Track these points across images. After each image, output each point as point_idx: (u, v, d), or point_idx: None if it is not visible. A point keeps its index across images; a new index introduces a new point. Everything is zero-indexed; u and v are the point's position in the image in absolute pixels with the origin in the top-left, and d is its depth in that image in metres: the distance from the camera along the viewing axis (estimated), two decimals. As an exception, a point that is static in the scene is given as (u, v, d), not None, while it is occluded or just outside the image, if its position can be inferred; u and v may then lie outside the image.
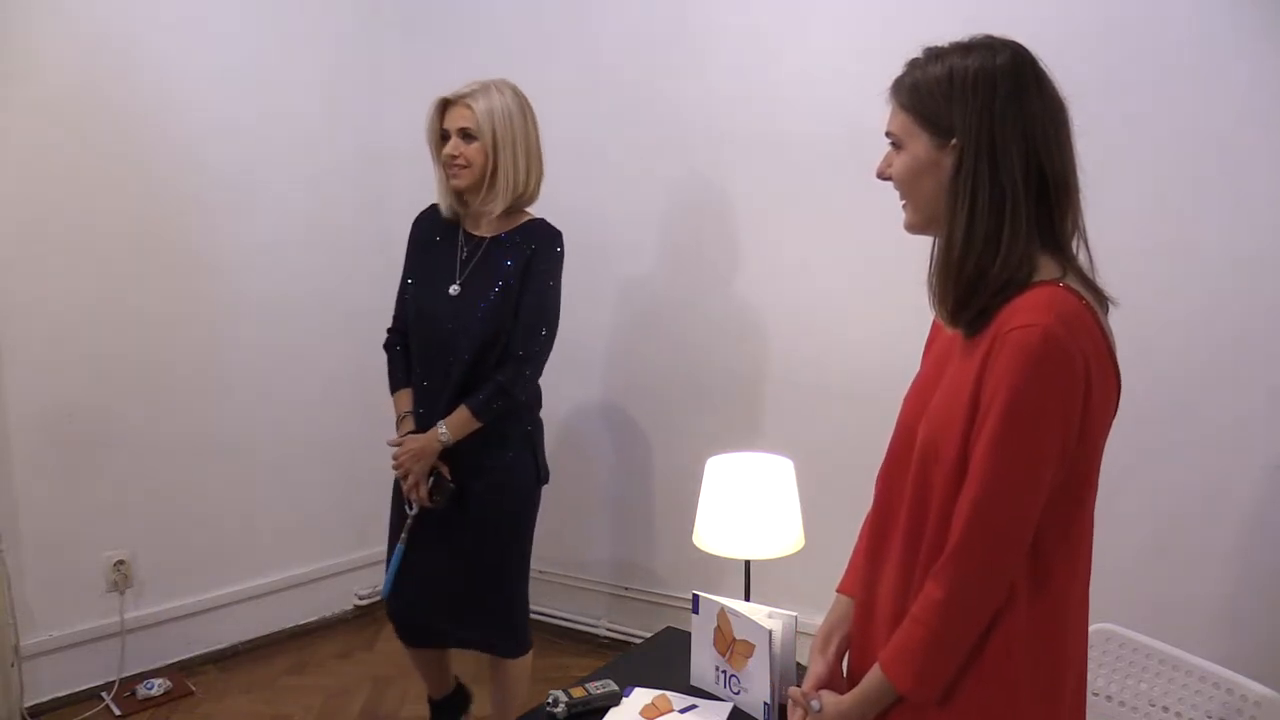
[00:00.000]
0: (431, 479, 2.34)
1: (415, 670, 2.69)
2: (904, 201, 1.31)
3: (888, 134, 1.30)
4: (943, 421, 1.25)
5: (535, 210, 2.41)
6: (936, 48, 1.27)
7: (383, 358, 2.52)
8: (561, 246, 2.36)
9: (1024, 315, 1.17)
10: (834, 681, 1.42)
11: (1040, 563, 1.22)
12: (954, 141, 1.22)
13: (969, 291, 1.22)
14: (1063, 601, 1.25)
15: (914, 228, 1.31)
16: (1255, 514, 2.38)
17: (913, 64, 1.28)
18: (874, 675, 1.29)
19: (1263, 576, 2.39)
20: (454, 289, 2.34)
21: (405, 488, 2.37)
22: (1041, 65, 1.25)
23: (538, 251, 2.32)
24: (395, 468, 2.37)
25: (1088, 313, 1.20)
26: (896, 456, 1.36)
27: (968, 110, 1.21)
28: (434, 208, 2.45)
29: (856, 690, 1.32)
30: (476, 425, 2.31)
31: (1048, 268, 1.22)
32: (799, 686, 1.51)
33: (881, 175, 1.33)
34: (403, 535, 2.39)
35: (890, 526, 1.35)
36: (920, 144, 1.25)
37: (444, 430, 2.30)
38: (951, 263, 1.23)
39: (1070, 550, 1.25)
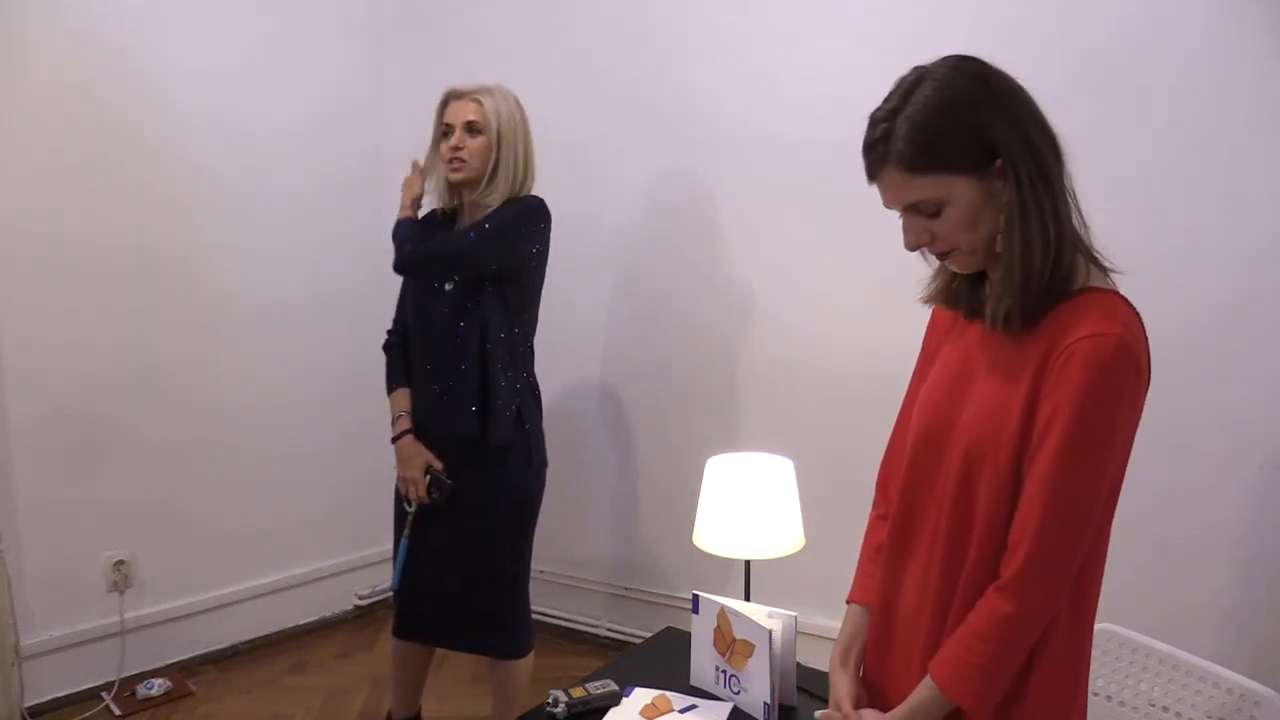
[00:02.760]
0: (428, 477, 2.35)
1: (392, 679, 2.61)
2: (951, 252, 1.21)
3: (909, 208, 1.19)
4: (990, 429, 1.20)
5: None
6: (892, 100, 1.17)
7: (382, 358, 2.52)
8: (540, 204, 2.33)
9: (1091, 324, 1.13)
10: (864, 697, 1.39)
11: (1083, 570, 1.21)
12: (999, 162, 1.15)
13: (1039, 300, 1.17)
14: (1090, 613, 1.25)
15: (970, 268, 1.23)
16: (1256, 514, 2.38)
17: (883, 126, 1.16)
18: (927, 690, 1.24)
19: (1264, 576, 2.39)
20: (449, 284, 2.35)
21: (403, 488, 2.39)
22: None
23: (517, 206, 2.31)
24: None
25: (1140, 321, 1.19)
26: (919, 462, 1.31)
27: (1002, 126, 1.14)
28: (431, 213, 2.47)
29: (905, 706, 1.27)
30: None
31: (1083, 270, 1.19)
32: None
33: (918, 247, 1.22)
34: (405, 531, 2.41)
35: (916, 535, 1.31)
36: (967, 189, 1.15)
37: None
38: (1032, 275, 1.16)
39: (1096, 561, 1.24)
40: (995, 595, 1.19)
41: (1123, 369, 1.12)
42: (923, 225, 1.19)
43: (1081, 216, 1.22)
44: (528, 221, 2.32)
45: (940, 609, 1.27)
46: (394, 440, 2.41)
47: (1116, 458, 1.17)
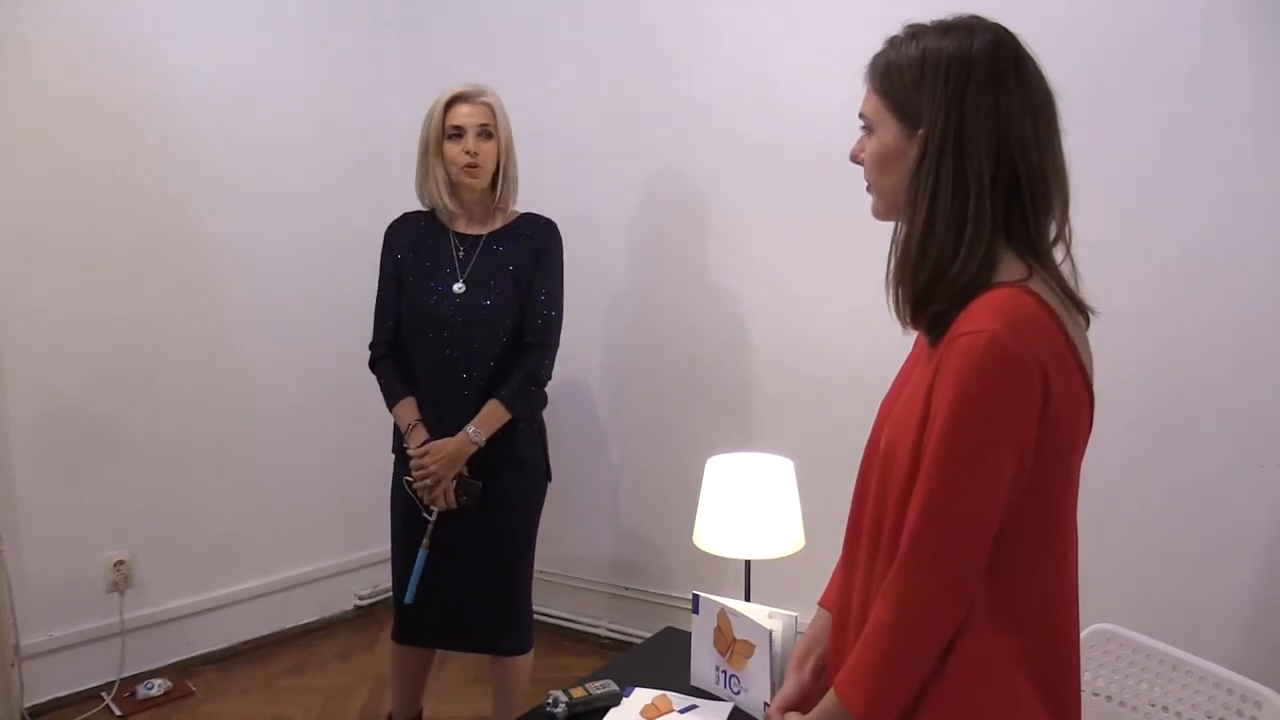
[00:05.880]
0: (455, 481, 2.32)
1: (393, 682, 2.60)
2: (869, 186, 1.24)
3: (860, 115, 1.23)
4: (899, 428, 1.19)
5: (534, 210, 2.44)
6: (917, 26, 1.19)
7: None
8: (560, 234, 2.43)
9: (974, 320, 1.09)
10: (805, 700, 1.37)
11: (1001, 579, 1.14)
12: (921, 131, 1.14)
13: (926, 292, 1.15)
14: (1034, 622, 1.16)
15: (880, 215, 1.25)
16: (1257, 514, 2.38)
17: (891, 42, 1.20)
18: (829, 698, 1.21)
19: (1266, 577, 2.39)
20: (458, 287, 2.34)
21: (429, 495, 2.32)
22: (1026, 50, 1.15)
23: (544, 242, 2.38)
24: (423, 476, 2.29)
25: (1047, 317, 1.11)
26: (863, 466, 1.31)
27: (936, 99, 1.12)
28: (405, 216, 2.46)
29: (814, 713, 1.24)
30: (508, 417, 2.32)
31: (1011, 269, 1.14)
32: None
33: (855, 159, 1.26)
34: (425, 541, 2.35)
35: (857, 537, 1.30)
36: (890, 130, 1.18)
37: (475, 430, 2.29)
38: (909, 262, 1.15)
39: (1039, 567, 1.16)
40: (878, 601, 1.16)
41: (993, 366, 1.07)
42: (862, 140, 1.23)
43: (1066, 234, 1.19)
44: (562, 256, 2.44)
45: (868, 612, 1.23)
46: (411, 450, 2.34)
47: (1004, 457, 1.08)
